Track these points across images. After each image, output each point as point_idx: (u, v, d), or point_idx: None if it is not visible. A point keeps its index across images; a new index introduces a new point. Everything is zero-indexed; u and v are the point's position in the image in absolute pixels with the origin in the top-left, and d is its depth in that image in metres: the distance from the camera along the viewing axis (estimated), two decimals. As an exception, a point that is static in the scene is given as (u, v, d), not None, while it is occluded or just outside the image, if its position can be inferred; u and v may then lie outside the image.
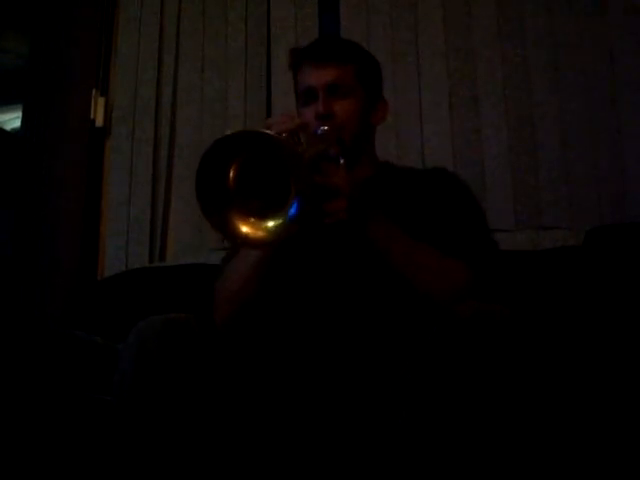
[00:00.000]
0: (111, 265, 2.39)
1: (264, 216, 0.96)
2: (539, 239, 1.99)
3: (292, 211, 0.93)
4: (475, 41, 2.22)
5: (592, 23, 2.12)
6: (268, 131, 0.93)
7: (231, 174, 0.95)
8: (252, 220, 0.96)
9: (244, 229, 0.96)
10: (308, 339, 1.19)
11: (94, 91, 2.58)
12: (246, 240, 0.97)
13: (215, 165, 0.94)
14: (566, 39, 2.14)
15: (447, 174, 1.36)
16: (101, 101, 2.58)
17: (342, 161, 1.12)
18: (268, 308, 1.22)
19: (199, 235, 2.34)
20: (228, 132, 0.92)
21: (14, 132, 2.77)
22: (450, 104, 2.21)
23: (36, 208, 2.34)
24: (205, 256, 2.16)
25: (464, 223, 1.24)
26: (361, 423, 1.09)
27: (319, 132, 1.20)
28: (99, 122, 2.56)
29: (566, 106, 2.11)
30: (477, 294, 1.10)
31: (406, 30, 2.29)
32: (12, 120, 2.89)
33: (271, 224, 0.95)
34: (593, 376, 1.37)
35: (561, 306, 1.67)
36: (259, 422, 1.11)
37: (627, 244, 1.72)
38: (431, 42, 2.26)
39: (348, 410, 1.10)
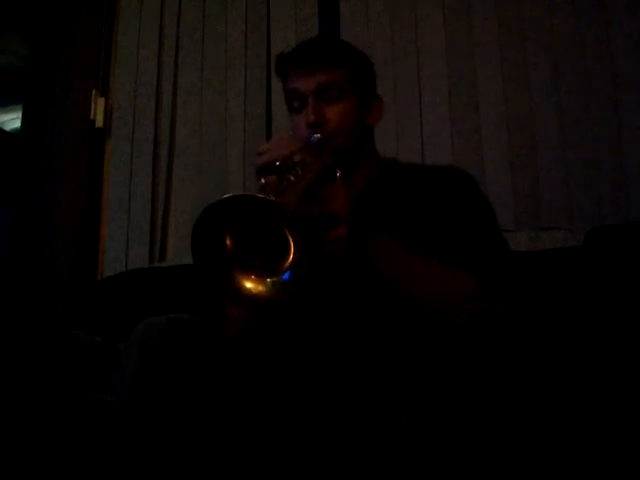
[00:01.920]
0: (111, 265, 2.39)
1: (264, 274, 0.94)
2: (539, 239, 1.98)
3: (285, 276, 0.92)
4: (475, 41, 2.22)
5: (592, 23, 2.12)
6: (254, 193, 0.91)
7: (227, 241, 0.93)
8: (253, 278, 0.95)
9: (248, 285, 0.95)
10: (311, 344, 1.19)
11: (94, 91, 2.59)
12: (250, 297, 0.95)
13: (209, 234, 0.92)
14: (566, 39, 2.14)
15: (459, 173, 1.31)
16: (101, 101, 2.58)
17: (339, 174, 1.08)
18: (272, 323, 1.22)
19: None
20: (216, 199, 0.89)
21: (14, 132, 2.77)
22: (450, 104, 2.21)
23: (36, 208, 2.34)
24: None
25: (474, 227, 1.20)
26: (362, 425, 1.09)
27: (312, 140, 1.16)
28: (99, 122, 2.56)
29: (566, 106, 2.11)
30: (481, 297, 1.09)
31: (406, 30, 2.29)
32: (12, 120, 2.89)
33: (270, 281, 0.94)
34: (593, 377, 1.37)
35: (561, 307, 1.67)
36: (261, 422, 1.11)
37: (627, 245, 1.72)
38: (431, 42, 2.26)
39: (349, 412, 1.10)
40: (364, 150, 1.30)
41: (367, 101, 1.29)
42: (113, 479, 1.07)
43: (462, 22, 2.25)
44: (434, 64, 2.24)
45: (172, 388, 1.02)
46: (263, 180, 0.96)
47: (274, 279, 0.93)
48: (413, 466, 0.95)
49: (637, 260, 1.67)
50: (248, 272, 0.94)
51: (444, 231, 1.18)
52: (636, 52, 2.05)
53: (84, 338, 1.65)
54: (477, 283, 1.11)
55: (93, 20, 2.62)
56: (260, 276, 0.94)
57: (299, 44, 1.32)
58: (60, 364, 1.52)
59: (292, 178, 0.97)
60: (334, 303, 1.20)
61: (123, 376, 1.05)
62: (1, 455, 1.33)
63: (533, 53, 2.17)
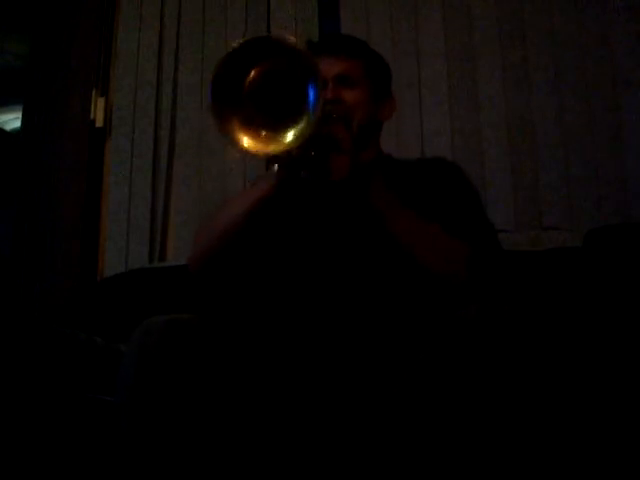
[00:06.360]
0: (111, 265, 2.39)
1: (268, 127, 0.97)
2: (539, 240, 1.98)
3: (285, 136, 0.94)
4: (475, 41, 2.23)
5: (592, 23, 2.12)
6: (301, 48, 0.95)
7: (251, 75, 0.97)
8: (253, 128, 0.98)
9: (245, 139, 0.98)
10: (308, 335, 1.19)
11: (94, 91, 2.58)
12: (243, 145, 0.98)
13: (239, 62, 0.96)
14: (566, 39, 2.14)
15: (446, 163, 1.39)
16: (101, 101, 2.58)
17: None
18: (264, 287, 1.23)
19: (199, 235, 2.34)
20: (259, 35, 0.94)
21: (14, 132, 2.78)
22: (450, 104, 2.21)
23: (36, 208, 2.34)
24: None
25: (462, 209, 1.26)
26: (362, 420, 1.09)
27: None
28: (99, 122, 2.56)
29: (566, 106, 2.11)
30: (480, 284, 1.11)
31: (406, 30, 2.29)
32: (12, 120, 2.89)
33: (271, 135, 0.97)
34: (594, 377, 1.37)
35: (561, 307, 1.67)
36: (261, 422, 1.11)
37: (627, 245, 1.72)
38: (431, 42, 2.26)
39: (350, 408, 1.10)
40: (370, 141, 1.36)
41: (381, 96, 1.40)
42: (113, 479, 1.07)
43: (462, 22, 2.25)
44: (434, 64, 2.24)
45: (173, 388, 1.02)
46: None
47: (273, 134, 0.97)
48: (411, 461, 0.95)
49: (637, 260, 1.67)
50: (250, 120, 0.98)
51: (435, 213, 1.21)
52: (636, 52, 2.05)
53: (84, 338, 1.65)
54: (470, 250, 1.16)
55: (93, 20, 2.62)
56: (261, 128, 0.97)
57: (325, 35, 1.40)
58: (60, 364, 1.52)
59: None
60: (335, 285, 1.21)
61: (124, 376, 1.05)
62: (1, 455, 1.33)
63: (533, 53, 2.17)
